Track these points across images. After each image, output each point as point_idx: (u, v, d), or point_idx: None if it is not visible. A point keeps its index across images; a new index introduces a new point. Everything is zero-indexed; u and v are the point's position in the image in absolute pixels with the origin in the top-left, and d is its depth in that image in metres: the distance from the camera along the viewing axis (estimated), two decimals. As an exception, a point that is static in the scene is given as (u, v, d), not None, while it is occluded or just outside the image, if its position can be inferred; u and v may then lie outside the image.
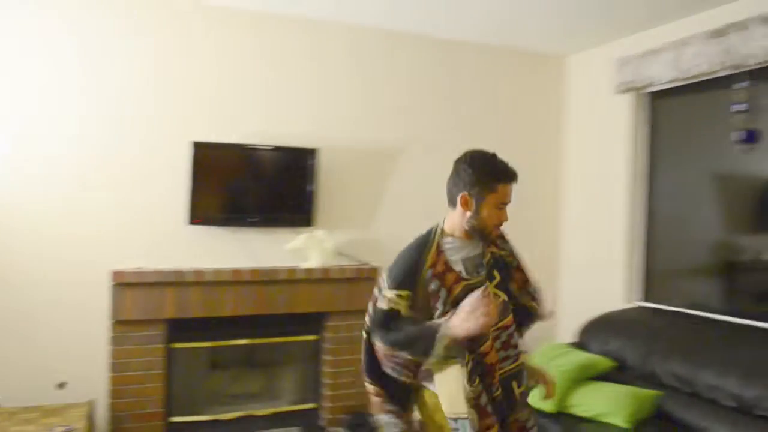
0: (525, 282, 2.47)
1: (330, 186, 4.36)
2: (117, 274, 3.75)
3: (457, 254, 2.24)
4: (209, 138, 3.99)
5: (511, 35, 4.69)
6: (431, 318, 2.14)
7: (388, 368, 2.19)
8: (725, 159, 4.01)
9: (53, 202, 3.77)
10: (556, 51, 5.06)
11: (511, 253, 2.47)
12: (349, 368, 4.29)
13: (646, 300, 4.44)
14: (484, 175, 2.23)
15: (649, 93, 4.49)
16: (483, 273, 2.25)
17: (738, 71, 3.73)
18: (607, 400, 3.48)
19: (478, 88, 4.90)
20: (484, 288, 2.12)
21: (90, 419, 3.54)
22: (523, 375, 2.34)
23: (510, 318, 2.30)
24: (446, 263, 2.21)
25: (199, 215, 3.94)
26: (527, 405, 2.37)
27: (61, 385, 3.82)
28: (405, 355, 2.11)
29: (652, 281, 4.49)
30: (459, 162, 2.32)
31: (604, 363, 3.85)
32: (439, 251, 2.23)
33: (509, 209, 2.30)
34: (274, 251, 4.18)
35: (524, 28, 4.49)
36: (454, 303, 2.10)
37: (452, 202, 2.31)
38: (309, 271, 4.12)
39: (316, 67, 4.37)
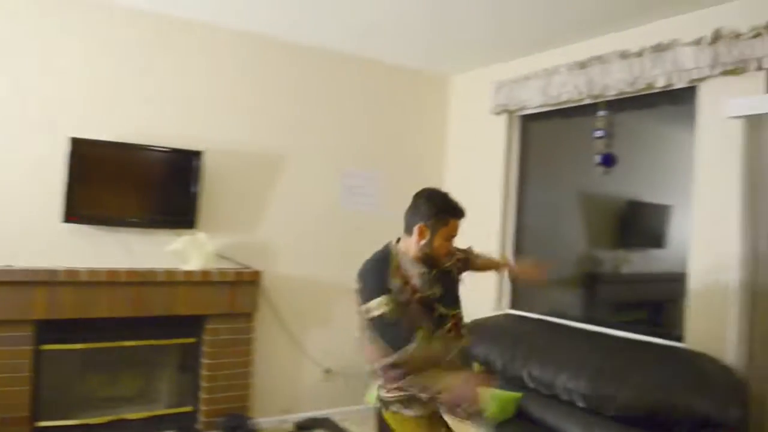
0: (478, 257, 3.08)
1: (213, 189, 4.32)
2: (-17, 271, 3.56)
3: (412, 271, 2.60)
4: (89, 135, 3.87)
5: (398, 53, 4.86)
6: (411, 316, 2.51)
7: None
8: (588, 179, 4.34)
9: None
10: (441, 71, 5.28)
11: (459, 258, 2.94)
12: (227, 371, 4.27)
13: (514, 308, 4.71)
14: (440, 211, 2.64)
15: (521, 115, 4.79)
16: (434, 288, 2.62)
17: (598, 100, 4.06)
18: (473, 401, 3.67)
19: (365, 102, 5.02)
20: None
21: None
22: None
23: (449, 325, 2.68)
24: (405, 277, 2.58)
25: (75, 213, 3.80)
26: None
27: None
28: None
29: (520, 290, 4.76)
30: (418, 197, 2.73)
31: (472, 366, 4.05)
32: (399, 266, 2.60)
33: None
34: (154, 253, 4.09)
35: (411, 47, 4.66)
36: (418, 307, 2.54)
37: (408, 230, 2.69)
38: (188, 273, 4.07)
39: (204, 70, 4.34)
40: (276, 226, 4.61)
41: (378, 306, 2.48)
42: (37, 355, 3.77)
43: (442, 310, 2.63)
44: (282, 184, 4.65)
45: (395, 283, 2.54)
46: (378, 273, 2.59)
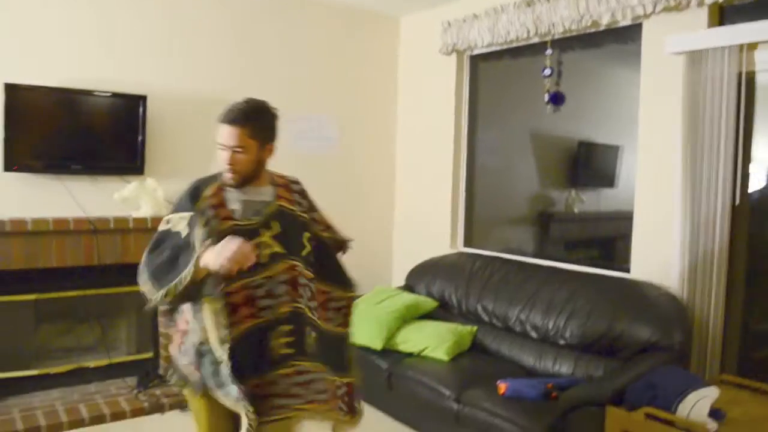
0: (327, 228, 2.48)
1: (160, 135, 4.15)
2: None
3: (240, 195, 2.20)
4: (27, 80, 3.66)
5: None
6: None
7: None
8: (539, 120, 4.33)
9: None
10: (390, 12, 5.13)
11: (308, 210, 2.37)
12: (186, 317, 4.21)
13: (468, 246, 4.74)
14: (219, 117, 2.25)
15: (471, 56, 4.71)
16: (256, 219, 2.17)
17: (546, 39, 4.00)
18: (429, 336, 3.72)
19: (314, 44, 4.85)
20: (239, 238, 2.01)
21: None
22: (277, 328, 2.13)
23: (280, 269, 2.14)
24: (222, 199, 2.18)
25: (16, 162, 3.62)
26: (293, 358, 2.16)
27: None
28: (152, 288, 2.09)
29: (473, 229, 4.79)
30: None
31: (428, 303, 4.09)
32: (221, 188, 2.21)
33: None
34: (102, 200, 3.93)
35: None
36: (219, 237, 2.03)
37: None
38: (140, 220, 3.95)
39: (145, 11, 4.11)
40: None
41: (170, 220, 2.18)
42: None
43: (275, 249, 2.15)
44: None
45: (203, 204, 2.16)
46: (188, 189, 2.24)
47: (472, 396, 3.14)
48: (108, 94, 3.92)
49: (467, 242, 4.77)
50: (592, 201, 4.38)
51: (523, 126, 4.56)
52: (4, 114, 3.57)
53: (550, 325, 3.50)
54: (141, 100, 4.00)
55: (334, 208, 4.93)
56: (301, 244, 2.23)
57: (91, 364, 4.06)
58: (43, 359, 3.99)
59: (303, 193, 2.43)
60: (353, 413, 2.42)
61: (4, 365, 3.77)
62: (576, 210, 4.42)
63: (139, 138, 4.01)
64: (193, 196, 2.20)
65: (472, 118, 4.76)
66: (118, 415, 3.66)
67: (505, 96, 4.68)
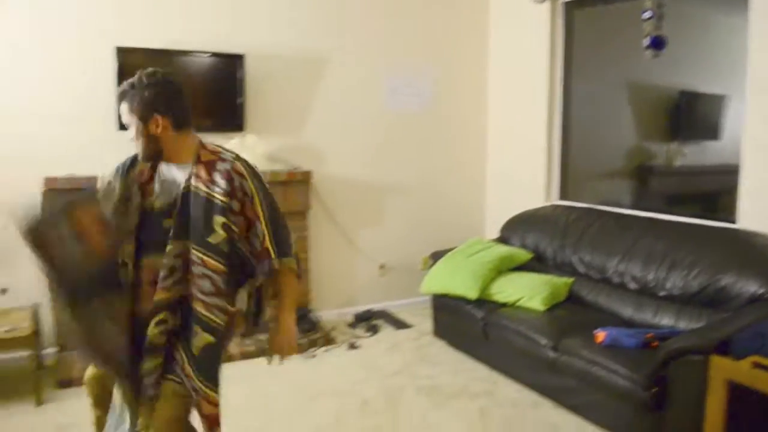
0: (248, 229, 2.05)
1: (258, 93, 4.29)
2: (49, 181, 3.66)
3: (160, 175, 2.08)
4: (134, 44, 3.85)
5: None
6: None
7: None
8: (637, 68, 4.14)
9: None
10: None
11: (229, 195, 1.99)
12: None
13: (563, 199, 4.66)
14: None
15: (564, 2, 4.54)
16: (167, 202, 2.04)
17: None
18: (524, 286, 3.71)
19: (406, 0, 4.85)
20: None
21: (34, 321, 3.53)
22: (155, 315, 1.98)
23: (170, 251, 1.97)
24: (152, 177, 2.08)
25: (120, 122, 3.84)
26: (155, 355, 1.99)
27: (3, 291, 3.78)
28: None
29: (568, 182, 4.69)
30: None
31: (522, 255, 4.07)
32: (156, 165, 2.10)
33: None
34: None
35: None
36: (140, 217, 2.03)
37: None
38: (243, 175, 4.11)
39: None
40: (323, 128, 4.58)
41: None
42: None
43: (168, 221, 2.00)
44: (326, 86, 4.59)
45: (138, 177, 2.08)
46: (130, 156, 2.13)
47: (569, 344, 3.13)
48: (208, 54, 4.08)
49: (562, 195, 4.68)
50: (694, 154, 4.18)
51: (621, 75, 4.38)
52: (118, 76, 3.78)
53: (650, 277, 3.41)
54: (239, 59, 4.13)
55: (427, 162, 5.01)
56: (210, 228, 1.96)
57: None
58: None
59: (228, 174, 2.00)
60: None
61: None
62: (677, 163, 4.24)
63: (239, 96, 4.15)
64: (125, 167, 2.12)
65: (566, 68, 4.61)
66: (227, 358, 3.89)
67: (601, 44, 4.50)
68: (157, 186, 2.06)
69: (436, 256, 4.24)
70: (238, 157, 2.08)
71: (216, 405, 2.00)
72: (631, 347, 2.98)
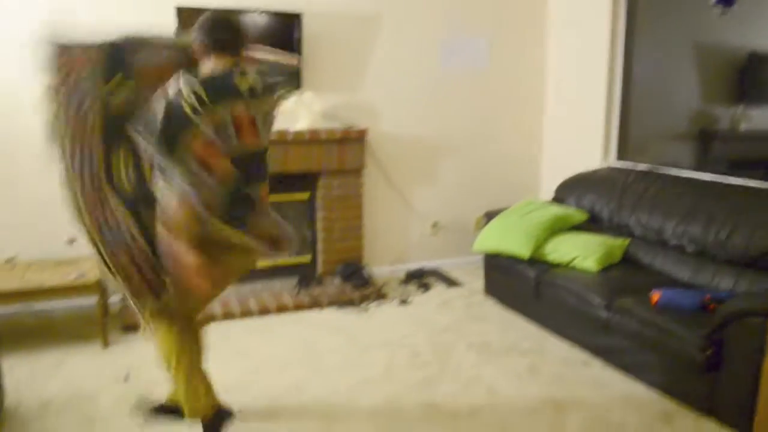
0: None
1: (315, 51, 4.30)
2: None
3: None
4: (194, 4, 3.89)
5: None
6: None
7: None
8: (706, 27, 3.96)
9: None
10: None
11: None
12: (340, 224, 4.44)
13: (622, 160, 4.54)
14: None
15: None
16: None
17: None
18: (579, 247, 3.67)
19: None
20: None
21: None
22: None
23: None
24: None
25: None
26: None
27: (71, 241, 3.95)
28: None
29: (628, 143, 4.56)
30: None
31: (577, 216, 4.01)
32: None
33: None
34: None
35: None
36: None
37: None
38: (298, 133, 4.16)
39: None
40: (378, 86, 4.57)
41: None
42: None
43: None
44: (382, 44, 4.55)
45: None
46: None
47: (624, 304, 3.09)
48: (266, 13, 4.09)
49: (620, 156, 4.57)
50: (761, 118, 3.99)
51: (687, 34, 4.19)
52: (177, 21, 3.84)
53: (710, 239, 3.31)
54: (297, 18, 4.14)
55: (482, 121, 4.95)
56: None
57: (260, 265, 4.42)
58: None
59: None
60: None
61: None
62: (742, 127, 4.06)
63: (297, 52, 4.17)
64: None
65: (629, 25, 4.45)
66: (281, 308, 4.00)
67: (666, 2, 4.31)
68: None
69: (490, 216, 4.22)
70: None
71: None
72: (688, 309, 2.93)
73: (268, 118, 2.42)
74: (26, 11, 3.70)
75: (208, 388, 2.49)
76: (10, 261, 3.78)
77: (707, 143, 4.25)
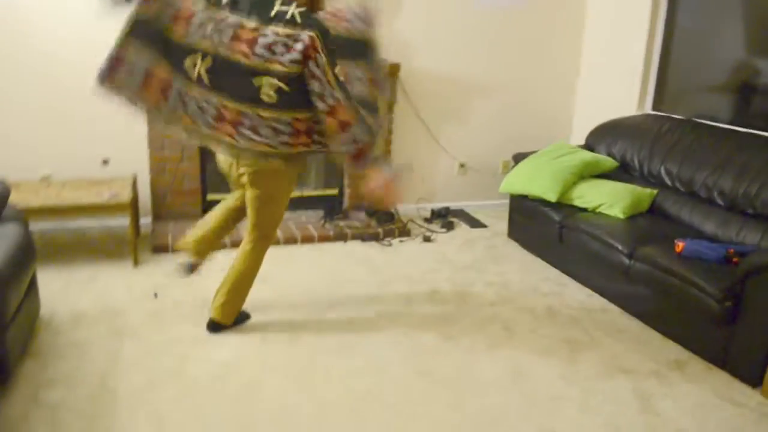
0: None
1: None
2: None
3: None
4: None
5: None
6: None
7: None
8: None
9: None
10: None
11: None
12: (369, 159, 4.45)
13: (657, 109, 4.44)
14: None
15: None
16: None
17: None
18: (606, 194, 3.63)
19: None
20: None
21: (134, 190, 3.77)
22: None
23: None
24: None
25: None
26: None
27: (106, 162, 4.03)
28: None
29: (665, 92, 4.44)
30: None
31: (607, 162, 3.96)
32: None
33: None
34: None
35: None
36: None
37: None
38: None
39: None
40: (412, 22, 4.47)
41: None
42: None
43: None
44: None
45: None
46: None
47: (647, 252, 3.08)
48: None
49: (656, 105, 4.45)
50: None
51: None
52: None
53: (740, 192, 3.25)
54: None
55: (516, 61, 4.84)
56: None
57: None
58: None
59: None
60: None
61: (216, 189, 4.27)
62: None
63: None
64: None
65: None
66: (307, 239, 4.07)
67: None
68: None
69: (518, 158, 4.18)
70: None
71: None
72: (711, 260, 2.91)
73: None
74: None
75: None
76: (45, 179, 3.88)
77: (749, 97, 4.12)
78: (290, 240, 4.03)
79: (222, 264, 3.38)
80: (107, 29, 3.76)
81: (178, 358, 2.66)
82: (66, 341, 2.75)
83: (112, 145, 4.01)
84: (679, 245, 2.99)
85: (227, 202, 3.01)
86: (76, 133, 3.92)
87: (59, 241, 3.89)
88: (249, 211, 2.75)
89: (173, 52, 2.39)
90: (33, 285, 2.77)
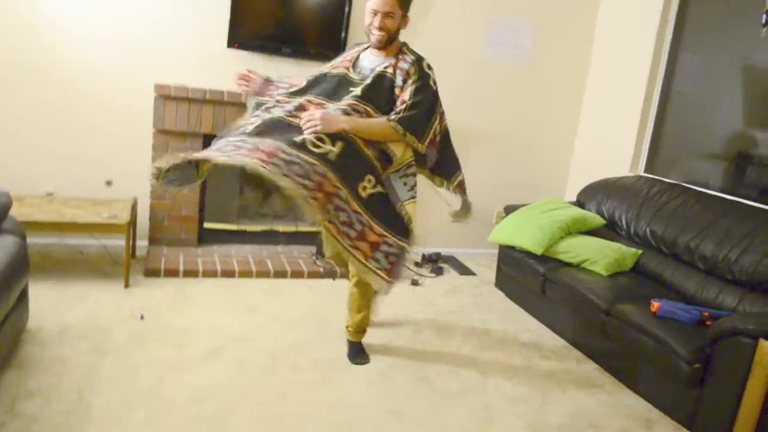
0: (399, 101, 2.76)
1: (357, 26, 4.37)
2: (159, 88, 3.94)
3: (368, 59, 2.87)
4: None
5: None
6: None
7: None
8: (757, 48, 3.91)
9: (101, 13, 3.92)
10: None
11: (404, 78, 2.76)
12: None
13: (650, 172, 4.54)
14: None
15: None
16: (361, 76, 2.82)
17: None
18: (591, 249, 3.71)
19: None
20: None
21: (133, 212, 3.87)
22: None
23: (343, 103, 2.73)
24: (354, 58, 2.90)
25: (237, 39, 4.05)
26: None
27: (108, 183, 4.14)
28: None
29: (658, 155, 4.55)
30: None
31: (595, 220, 4.04)
32: (360, 51, 2.92)
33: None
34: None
35: None
36: (328, 81, 2.87)
37: None
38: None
39: None
40: (430, 50, 4.60)
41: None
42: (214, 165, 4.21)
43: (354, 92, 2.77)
44: (427, 25, 4.61)
45: (344, 56, 3.05)
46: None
47: (623, 309, 3.14)
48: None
49: (648, 168, 4.57)
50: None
51: (735, 54, 4.13)
52: (232, -1, 3.98)
53: (720, 257, 3.32)
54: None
55: (517, 115, 4.98)
56: (388, 99, 2.75)
57: (281, 228, 4.57)
58: (243, 218, 4.57)
59: (412, 63, 2.78)
60: None
61: (213, 217, 4.38)
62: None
63: (343, 28, 4.26)
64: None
65: (675, 39, 4.43)
66: (297, 274, 4.14)
67: (718, 17, 4.27)
68: (365, 62, 2.85)
69: (509, 209, 4.28)
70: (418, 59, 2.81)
71: None
72: (685, 322, 2.97)
73: None
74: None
75: None
76: (49, 195, 3.99)
77: (742, 167, 4.21)
78: (280, 273, 4.10)
79: (211, 295, 3.45)
80: (121, 51, 3.95)
81: (155, 379, 2.72)
82: (49, 355, 2.81)
83: (117, 168, 4.13)
84: (655, 305, 3.05)
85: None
86: (83, 153, 4.04)
87: (56, 256, 3.98)
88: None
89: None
90: (24, 297, 2.84)
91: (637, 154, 4.60)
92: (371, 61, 2.83)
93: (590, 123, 5.09)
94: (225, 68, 4.11)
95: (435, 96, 2.83)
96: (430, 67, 2.82)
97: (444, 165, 3.08)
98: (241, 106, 4.06)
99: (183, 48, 4.08)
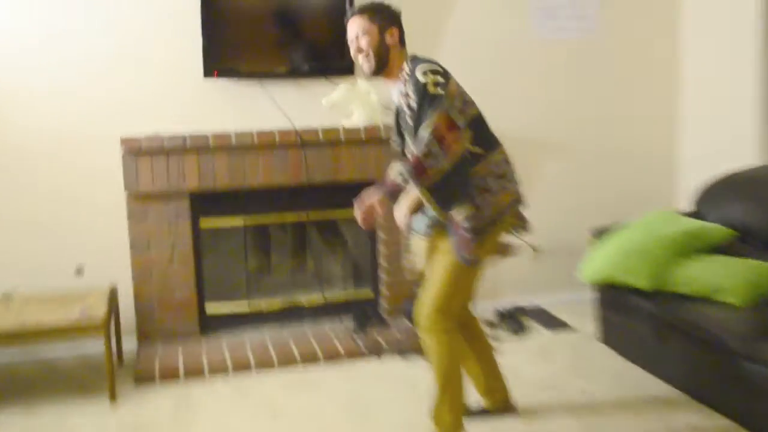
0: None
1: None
2: (127, 142, 4.04)
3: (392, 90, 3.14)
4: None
5: None
6: None
7: None
8: None
9: (53, 68, 4.08)
10: None
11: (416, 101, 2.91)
12: (409, 248, 4.52)
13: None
14: None
15: None
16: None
17: None
18: (719, 275, 3.55)
19: None
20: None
21: (110, 304, 3.90)
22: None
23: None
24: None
25: (216, 66, 4.13)
26: None
27: (79, 271, 4.22)
28: None
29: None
30: None
31: (719, 232, 3.88)
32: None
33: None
34: (310, 108, 4.31)
35: None
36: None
37: None
38: (352, 130, 4.28)
39: None
40: (451, 65, 4.59)
41: None
42: (196, 231, 4.29)
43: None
44: (457, 16, 4.64)
45: None
46: None
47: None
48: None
49: (785, 152, 4.42)
50: None
51: None
52: (203, 14, 4.06)
53: None
54: (350, -7, 4.27)
55: (593, 110, 4.90)
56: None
57: (304, 301, 4.56)
58: (254, 292, 4.59)
59: (407, 80, 2.94)
60: None
61: (215, 296, 4.40)
62: None
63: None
64: None
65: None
66: (331, 356, 4.11)
67: None
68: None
69: (600, 234, 4.17)
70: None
71: None
72: None
73: None
74: None
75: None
76: (6, 296, 4.07)
77: None
78: (309, 358, 4.08)
79: (222, 399, 3.43)
80: (75, 101, 4.07)
81: None
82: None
83: (87, 249, 4.21)
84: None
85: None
86: (43, 236, 4.14)
87: (21, 375, 4.05)
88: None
89: None
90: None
91: (763, 138, 4.46)
92: (393, 92, 3.11)
93: (694, 103, 4.99)
94: (205, 104, 4.20)
95: (433, 102, 2.87)
96: (426, 73, 2.89)
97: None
98: (231, 150, 4.12)
99: (150, 87, 4.19)
